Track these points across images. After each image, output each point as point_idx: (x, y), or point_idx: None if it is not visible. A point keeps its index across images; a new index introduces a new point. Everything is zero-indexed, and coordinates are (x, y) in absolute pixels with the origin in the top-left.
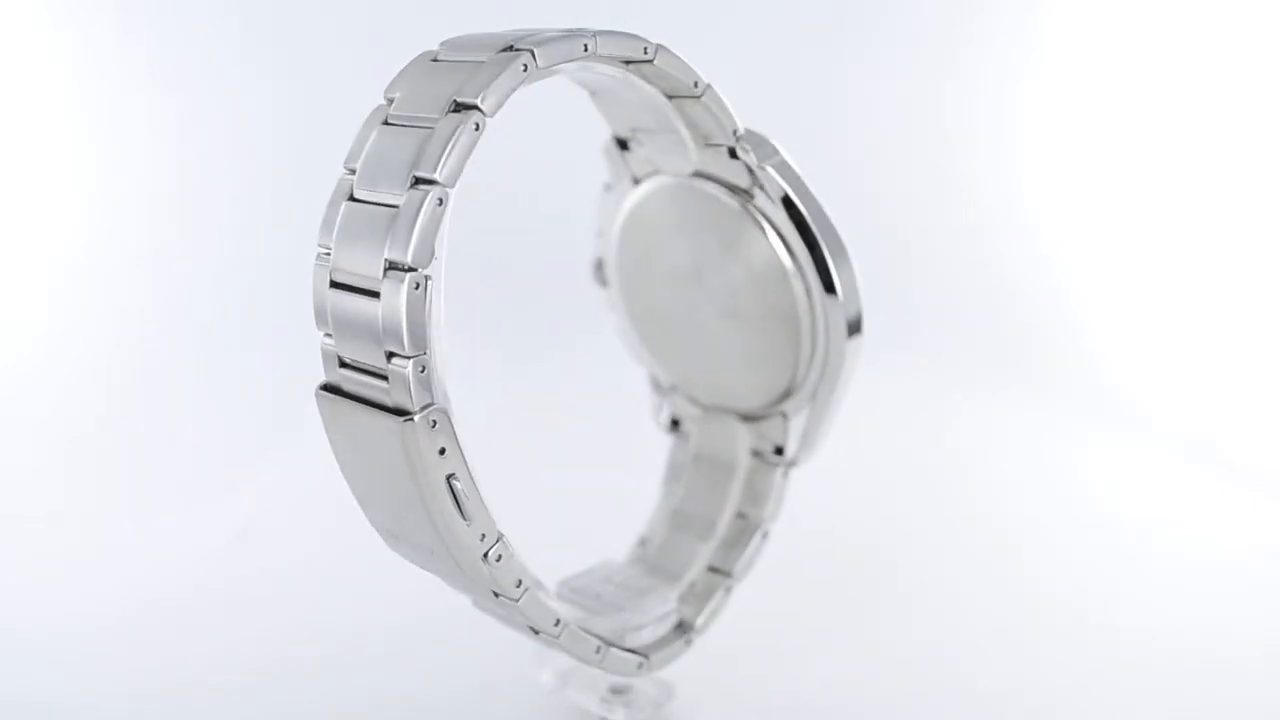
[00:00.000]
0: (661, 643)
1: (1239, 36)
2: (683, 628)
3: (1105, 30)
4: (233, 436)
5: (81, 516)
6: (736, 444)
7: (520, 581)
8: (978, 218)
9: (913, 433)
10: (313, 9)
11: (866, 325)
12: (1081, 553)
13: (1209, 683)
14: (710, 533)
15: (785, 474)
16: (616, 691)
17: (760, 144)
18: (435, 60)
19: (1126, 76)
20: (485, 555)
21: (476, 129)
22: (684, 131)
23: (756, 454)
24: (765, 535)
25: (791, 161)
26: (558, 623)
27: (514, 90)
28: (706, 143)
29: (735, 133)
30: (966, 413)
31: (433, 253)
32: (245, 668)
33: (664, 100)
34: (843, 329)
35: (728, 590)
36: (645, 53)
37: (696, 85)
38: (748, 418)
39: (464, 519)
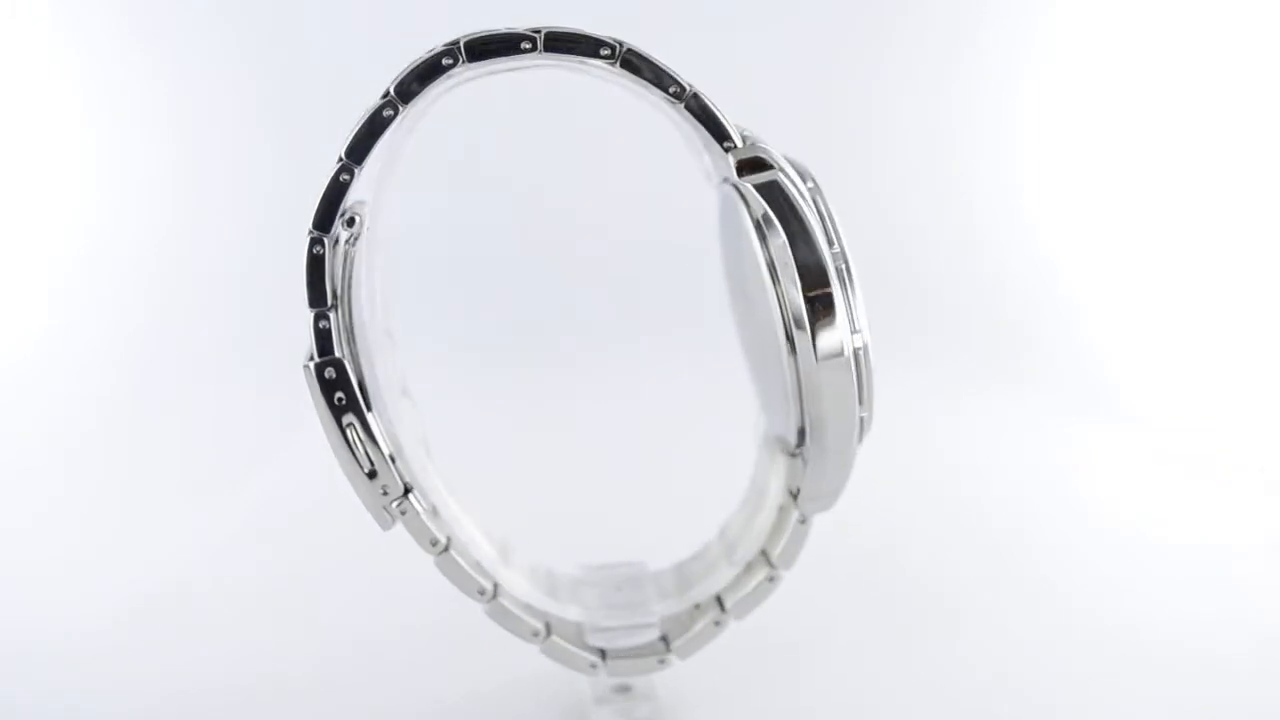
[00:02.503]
0: (633, 651)
1: (1238, 36)
2: (665, 642)
3: (1105, 30)
4: (233, 437)
5: (81, 517)
6: (772, 476)
7: (435, 541)
8: (975, 217)
9: (911, 432)
10: (318, 7)
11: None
12: (1080, 550)
13: (1208, 680)
14: (733, 558)
15: (802, 521)
16: (618, 691)
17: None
18: None
19: (1125, 76)
20: (386, 507)
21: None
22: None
23: (790, 493)
24: (773, 580)
25: (785, 181)
26: (482, 591)
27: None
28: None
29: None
30: (965, 412)
31: (337, 219)
32: (245, 668)
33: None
34: (812, 362)
35: (717, 624)
36: (606, 52)
37: (679, 94)
38: (790, 452)
39: (357, 463)
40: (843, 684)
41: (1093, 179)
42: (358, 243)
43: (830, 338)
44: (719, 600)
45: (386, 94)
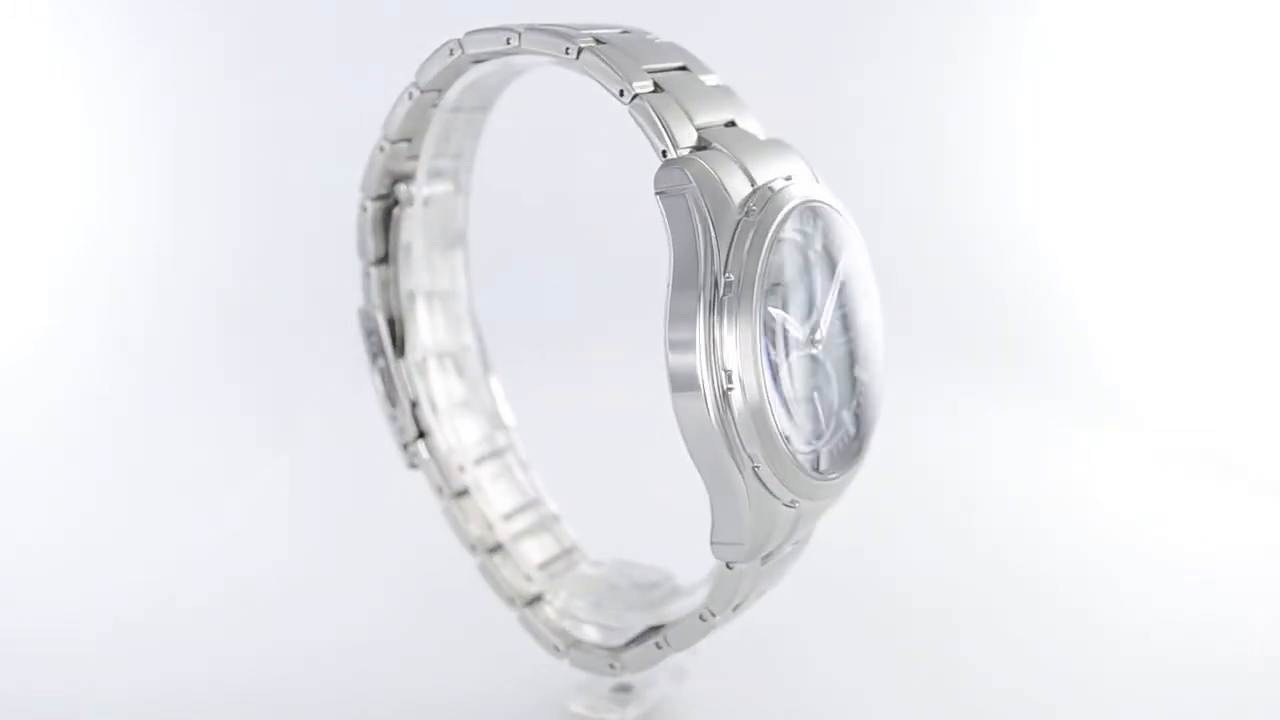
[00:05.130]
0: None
1: (1237, 35)
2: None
3: (1105, 29)
4: (233, 436)
5: (81, 517)
6: None
7: (441, 490)
8: (973, 218)
9: (910, 433)
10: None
11: None
12: (1078, 553)
13: (1209, 683)
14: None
15: (729, 566)
16: (620, 690)
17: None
18: None
19: (1124, 76)
20: (405, 446)
21: (410, 97)
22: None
23: None
24: (704, 620)
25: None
26: (473, 548)
27: (434, 72)
28: None
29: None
30: (962, 413)
31: (377, 185)
32: (245, 668)
33: None
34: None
35: (659, 647)
36: (567, 52)
37: (622, 94)
38: None
39: (390, 404)
40: (839, 687)
41: (1091, 179)
42: (404, 209)
43: (678, 366)
44: (663, 628)
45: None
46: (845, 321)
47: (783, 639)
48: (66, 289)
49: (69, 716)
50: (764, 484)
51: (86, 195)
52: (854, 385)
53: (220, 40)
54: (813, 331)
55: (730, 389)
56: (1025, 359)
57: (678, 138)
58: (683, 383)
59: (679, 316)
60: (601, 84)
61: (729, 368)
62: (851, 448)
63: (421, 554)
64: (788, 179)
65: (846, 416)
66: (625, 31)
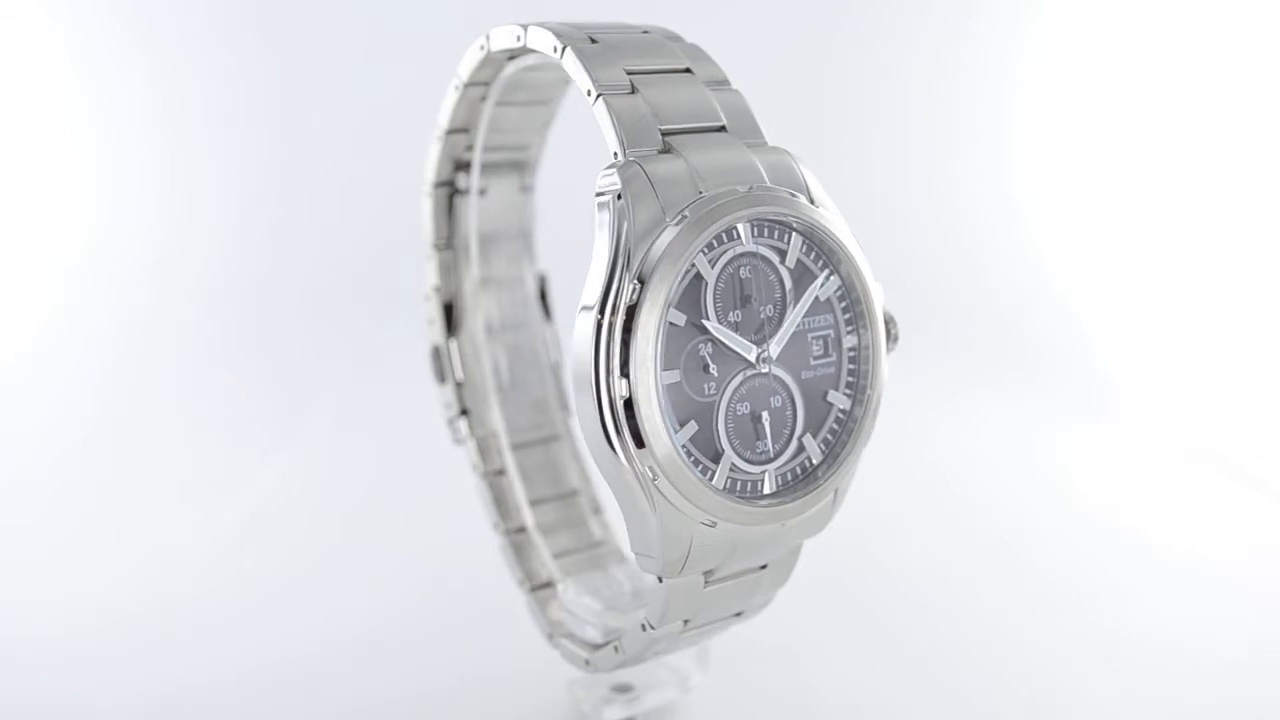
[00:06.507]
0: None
1: (1237, 35)
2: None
3: (1104, 28)
4: (233, 437)
5: (80, 516)
6: None
7: (477, 467)
8: (971, 216)
9: (909, 433)
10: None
11: None
12: (1075, 550)
13: (1206, 681)
14: None
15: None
16: (619, 690)
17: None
18: None
19: (1123, 76)
20: (450, 420)
21: (456, 89)
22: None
23: None
24: (645, 628)
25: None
26: (495, 525)
27: (474, 64)
28: None
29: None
30: (959, 411)
31: (438, 173)
32: (246, 668)
33: None
34: None
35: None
36: (555, 50)
37: (589, 93)
38: None
39: (440, 380)
40: (835, 684)
41: (1089, 177)
42: (464, 198)
43: (578, 365)
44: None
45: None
46: (827, 344)
47: (776, 638)
48: (66, 289)
49: (69, 714)
50: (666, 498)
51: (90, 189)
52: (828, 411)
53: (221, 41)
54: (760, 348)
55: (626, 396)
56: (1024, 357)
57: (636, 140)
58: (581, 384)
59: (586, 318)
60: (576, 82)
61: (626, 374)
62: (810, 476)
63: (427, 545)
64: (748, 190)
65: (811, 443)
66: (645, 32)
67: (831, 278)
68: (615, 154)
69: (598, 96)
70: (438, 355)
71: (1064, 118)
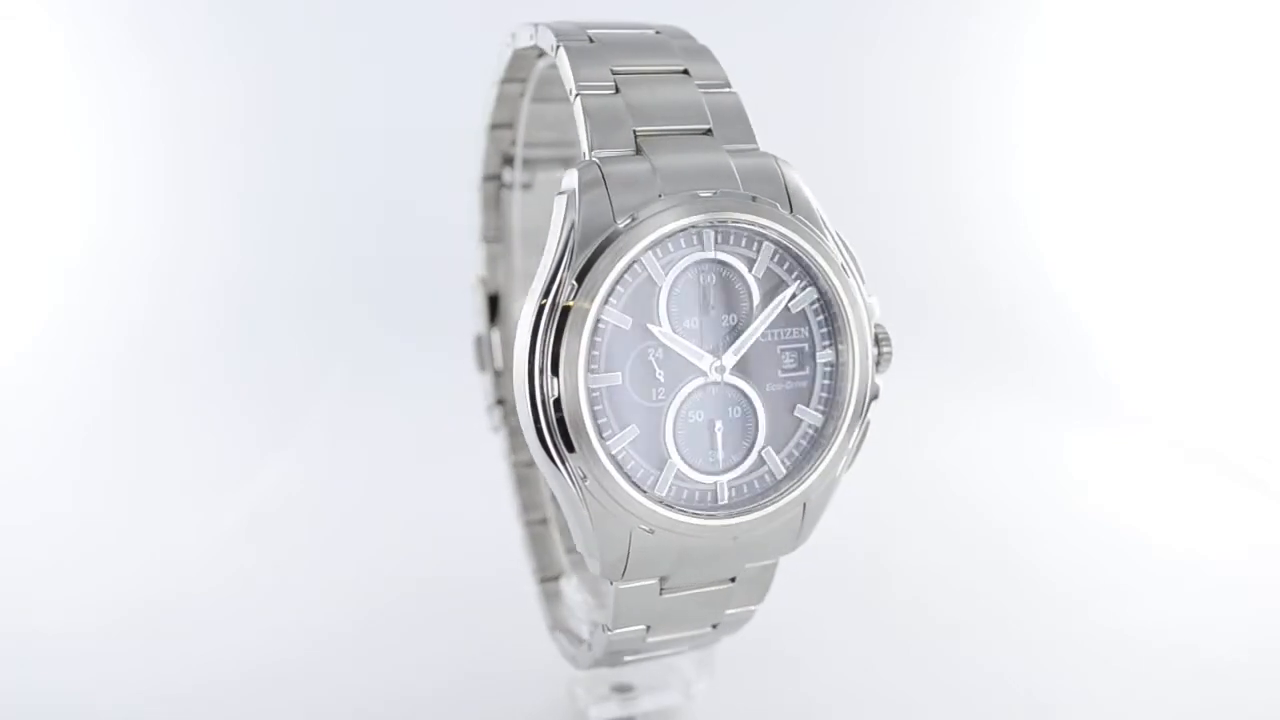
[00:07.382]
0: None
1: (1237, 34)
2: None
3: (1104, 28)
4: (232, 436)
5: (80, 516)
6: None
7: (507, 456)
8: (971, 216)
9: (909, 433)
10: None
11: None
12: (1076, 550)
13: (1207, 681)
14: None
15: None
16: (618, 690)
17: None
18: None
19: (1123, 75)
20: (489, 406)
21: (495, 85)
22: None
23: None
24: (604, 629)
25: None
26: (518, 514)
27: (506, 61)
28: None
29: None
30: (960, 411)
31: (487, 166)
32: (246, 667)
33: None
34: None
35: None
36: (553, 49)
37: (570, 92)
38: None
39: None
40: (836, 686)
41: (1090, 177)
42: (509, 192)
43: (519, 362)
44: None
45: None
46: (799, 357)
47: (776, 639)
48: (66, 289)
49: (69, 714)
50: (598, 500)
51: (90, 189)
52: (796, 426)
53: (220, 41)
54: (715, 357)
55: (556, 396)
56: (1024, 357)
57: (605, 141)
58: (519, 381)
59: (527, 314)
60: (563, 80)
61: (556, 373)
62: (771, 490)
63: (427, 545)
64: (712, 194)
65: (774, 456)
66: (658, 32)
67: (808, 289)
68: (582, 154)
69: (575, 95)
70: (479, 344)
71: (1064, 118)
